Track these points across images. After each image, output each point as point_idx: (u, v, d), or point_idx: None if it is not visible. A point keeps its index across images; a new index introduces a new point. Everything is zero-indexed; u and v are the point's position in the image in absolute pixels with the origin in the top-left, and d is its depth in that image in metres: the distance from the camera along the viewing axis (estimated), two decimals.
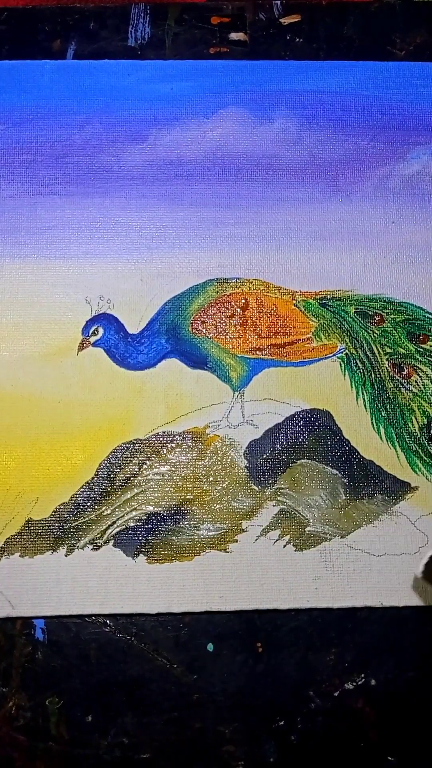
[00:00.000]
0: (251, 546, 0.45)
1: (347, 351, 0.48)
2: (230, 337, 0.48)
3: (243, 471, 0.46)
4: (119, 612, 0.44)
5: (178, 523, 0.45)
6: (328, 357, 0.48)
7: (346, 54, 0.52)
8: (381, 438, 0.47)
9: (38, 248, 0.49)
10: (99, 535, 0.45)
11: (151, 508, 0.45)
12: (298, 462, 0.46)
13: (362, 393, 0.47)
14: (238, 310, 0.48)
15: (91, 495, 0.45)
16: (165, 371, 0.47)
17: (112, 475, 0.46)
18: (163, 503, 0.45)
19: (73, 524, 0.45)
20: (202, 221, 0.49)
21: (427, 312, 0.49)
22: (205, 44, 0.52)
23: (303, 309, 0.49)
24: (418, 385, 0.48)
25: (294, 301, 0.49)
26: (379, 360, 0.48)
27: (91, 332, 0.48)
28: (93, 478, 0.46)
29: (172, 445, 0.46)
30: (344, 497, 0.46)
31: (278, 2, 0.53)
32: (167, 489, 0.46)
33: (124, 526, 0.45)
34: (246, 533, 0.45)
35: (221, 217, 0.49)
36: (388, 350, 0.48)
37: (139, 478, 0.46)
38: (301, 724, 0.43)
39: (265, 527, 0.45)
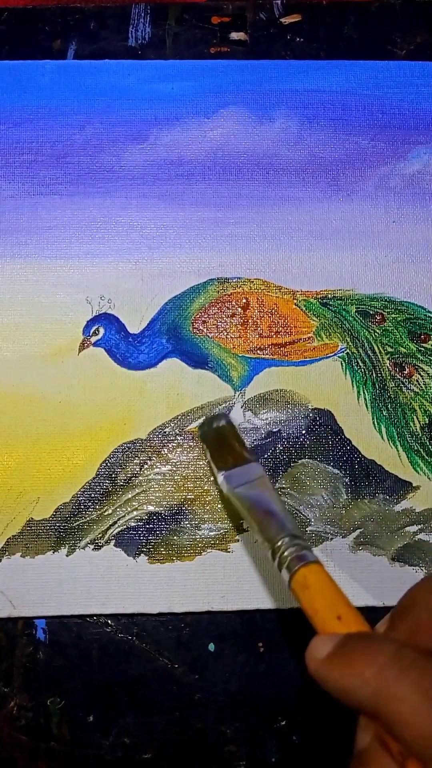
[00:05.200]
0: (252, 546, 0.45)
1: (348, 350, 0.48)
2: (231, 337, 0.48)
3: None
4: (120, 612, 0.43)
5: (180, 523, 0.45)
6: (329, 356, 0.48)
7: (347, 53, 0.52)
8: (382, 437, 0.47)
9: (39, 248, 0.49)
10: (100, 535, 0.45)
11: (152, 508, 0.45)
12: (300, 461, 0.46)
13: (363, 392, 0.47)
14: (239, 309, 0.48)
15: (93, 495, 0.45)
16: (166, 371, 0.47)
17: (113, 475, 0.46)
18: (164, 503, 0.45)
19: (74, 524, 0.45)
20: (202, 221, 0.49)
21: (429, 311, 0.49)
22: (206, 44, 0.52)
23: (304, 308, 0.48)
24: (419, 384, 0.48)
25: (295, 301, 0.49)
26: (380, 359, 0.48)
27: (92, 332, 0.47)
28: (94, 478, 0.46)
29: (173, 444, 0.46)
30: (345, 497, 0.46)
31: (278, 2, 0.53)
32: (168, 489, 0.46)
33: (125, 526, 0.45)
34: (247, 533, 0.45)
35: (222, 217, 0.49)
36: (389, 349, 0.48)
37: (140, 477, 0.46)
38: (303, 723, 0.43)
39: None
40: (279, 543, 0.35)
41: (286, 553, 0.35)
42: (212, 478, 0.45)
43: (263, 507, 0.38)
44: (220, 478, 0.41)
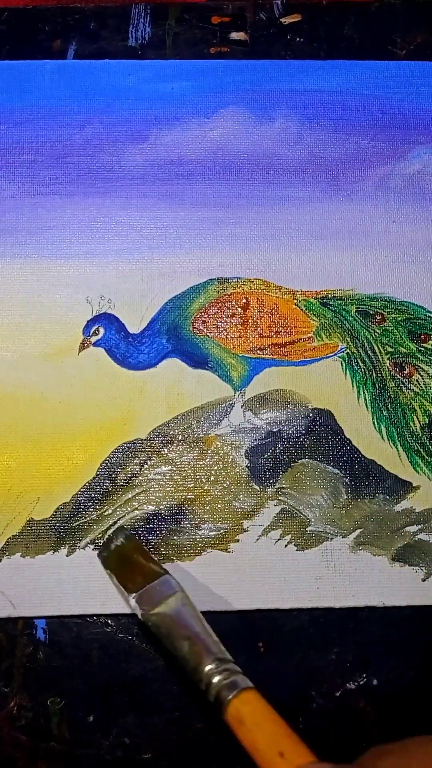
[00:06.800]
0: (252, 546, 0.45)
1: (348, 350, 0.48)
2: (231, 337, 0.48)
3: (244, 470, 0.46)
4: (121, 612, 0.43)
5: (179, 523, 0.45)
6: (329, 356, 0.48)
7: (347, 53, 0.52)
8: (382, 437, 0.47)
9: (39, 248, 0.49)
10: (100, 535, 0.45)
11: (152, 508, 0.45)
12: (300, 461, 0.46)
13: (363, 392, 0.47)
14: (239, 309, 0.48)
15: (93, 495, 0.45)
16: (166, 371, 0.47)
17: (113, 475, 0.46)
18: (164, 503, 0.45)
19: (75, 524, 0.45)
20: (202, 221, 0.49)
21: (429, 311, 0.49)
22: (206, 44, 0.52)
23: (304, 308, 0.49)
24: (419, 384, 0.48)
25: (295, 301, 0.49)
26: (381, 359, 0.48)
27: (92, 332, 0.48)
28: (94, 478, 0.46)
29: (173, 444, 0.46)
30: (346, 497, 0.46)
31: (279, 2, 0.53)
32: (168, 489, 0.46)
33: (125, 526, 0.45)
34: (247, 533, 0.45)
35: (222, 217, 0.49)
36: (389, 349, 0.48)
37: (140, 477, 0.46)
38: (303, 723, 0.43)
39: (267, 527, 0.45)
40: (206, 670, 0.33)
41: (215, 681, 0.33)
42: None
43: (184, 631, 0.36)
44: (132, 602, 0.38)
